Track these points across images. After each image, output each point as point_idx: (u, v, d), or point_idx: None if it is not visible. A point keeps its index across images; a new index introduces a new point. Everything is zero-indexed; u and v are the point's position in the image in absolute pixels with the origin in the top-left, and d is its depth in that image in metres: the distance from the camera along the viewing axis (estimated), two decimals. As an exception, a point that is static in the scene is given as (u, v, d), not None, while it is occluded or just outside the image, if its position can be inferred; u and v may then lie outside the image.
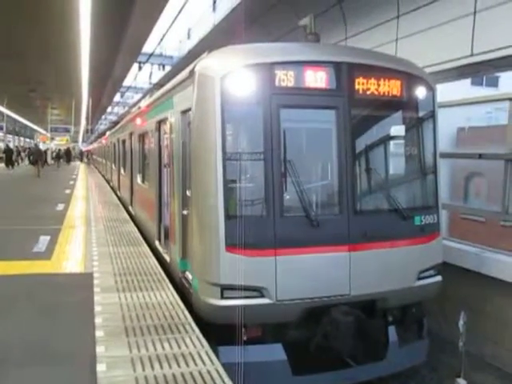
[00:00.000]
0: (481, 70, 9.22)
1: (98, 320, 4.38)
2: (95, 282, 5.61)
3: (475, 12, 7.78)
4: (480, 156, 7.81)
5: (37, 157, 26.77)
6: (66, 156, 43.79)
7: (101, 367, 3.44)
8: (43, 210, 11.71)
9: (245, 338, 4.48)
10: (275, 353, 4.75)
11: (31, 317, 4.55)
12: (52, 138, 44.13)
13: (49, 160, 37.34)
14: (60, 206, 12.38)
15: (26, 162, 39.39)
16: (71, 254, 7.07)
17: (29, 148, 47.41)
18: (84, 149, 73.60)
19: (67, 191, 16.74)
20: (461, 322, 5.21)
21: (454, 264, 7.00)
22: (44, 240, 7.96)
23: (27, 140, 71.71)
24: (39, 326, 4.31)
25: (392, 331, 5.28)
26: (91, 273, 6.00)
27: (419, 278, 5.35)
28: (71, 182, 21.19)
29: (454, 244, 7.57)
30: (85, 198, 15.07)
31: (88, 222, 10.10)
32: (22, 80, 23.47)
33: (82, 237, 8.42)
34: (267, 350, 4.75)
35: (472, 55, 7.88)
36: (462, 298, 6.87)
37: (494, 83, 22.46)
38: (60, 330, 4.23)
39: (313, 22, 5.76)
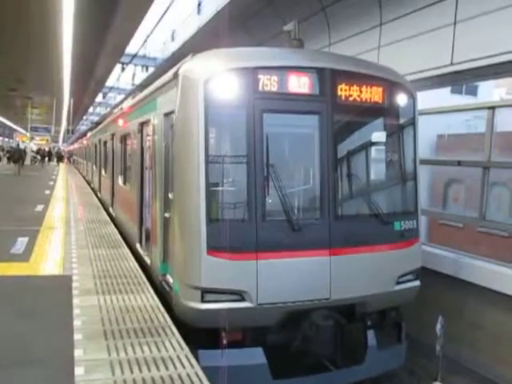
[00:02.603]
0: (460, 79, 9.42)
1: (76, 323, 4.32)
2: (74, 284, 5.54)
3: (455, 22, 7.95)
4: (459, 163, 7.96)
5: (18, 156, 27.71)
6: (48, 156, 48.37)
7: (79, 371, 3.40)
8: (22, 211, 11.51)
9: (225, 342, 4.48)
10: (255, 356, 4.75)
11: (8, 319, 4.47)
12: (32, 138, 43.53)
13: (28, 160, 37.12)
14: (39, 207, 12.19)
15: (5, 161, 39.67)
16: (50, 256, 6.96)
17: (10, 147, 48.47)
18: (66, 149, 72.45)
19: (47, 192, 16.49)
20: (438, 326, 5.29)
21: (432, 269, 7.12)
22: (22, 241, 7.82)
23: (5, 139, 70.51)
24: (16, 329, 4.23)
25: (371, 335, 5.33)
26: (70, 275, 5.92)
27: (398, 283, 5.42)
28: (51, 183, 20.88)
29: (433, 249, 7.70)
30: (65, 198, 14.86)
31: (68, 223, 9.96)
32: (1, 79, 23.06)
33: (61, 238, 8.30)
34: (247, 354, 4.75)
35: (452, 64, 8.04)
36: (440, 302, 6.97)
37: (473, 92, 22.92)
38: (37, 332, 4.16)
39: (297, 27, 5.81)
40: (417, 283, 5.66)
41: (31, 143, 45.06)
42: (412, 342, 6.24)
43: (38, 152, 48.74)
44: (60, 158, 52.59)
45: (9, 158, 37.71)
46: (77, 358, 3.60)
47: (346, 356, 4.96)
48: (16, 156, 27.70)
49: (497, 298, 6.40)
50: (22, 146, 38.20)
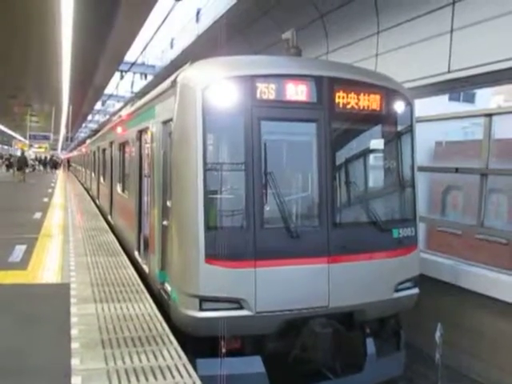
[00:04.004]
0: (458, 87, 9.45)
1: (73, 331, 4.30)
2: (72, 292, 5.52)
3: (452, 30, 8.00)
4: (457, 170, 7.98)
5: (22, 164, 28.93)
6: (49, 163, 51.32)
7: (76, 380, 3.38)
8: (20, 219, 11.48)
9: (223, 350, 4.46)
10: (254, 365, 4.72)
11: (5, 328, 4.45)
12: (30, 145, 43.62)
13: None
14: (37, 215, 12.16)
15: (4, 169, 40.38)
16: (48, 264, 6.93)
17: (10, 155, 49.95)
18: (64, 156, 72.39)
19: (45, 199, 16.46)
20: (437, 334, 5.28)
21: (431, 276, 7.10)
22: (20, 249, 7.79)
23: (4, 147, 70.76)
24: (13, 338, 4.21)
25: (370, 343, 5.30)
26: (68, 283, 5.90)
27: (397, 290, 5.41)
28: (49, 190, 20.86)
29: (431, 256, 7.69)
30: (63, 206, 14.84)
31: (66, 231, 9.94)
32: (0, 86, 23.10)
33: (59, 246, 8.27)
34: (246, 363, 4.72)
35: (449, 72, 8.08)
36: (438, 309, 6.95)
37: (470, 99, 23.02)
38: (34, 341, 4.14)
39: (295, 35, 5.83)
40: (416, 291, 5.64)
41: (30, 151, 45.22)
42: (411, 350, 6.21)
43: (39, 160, 49.26)
44: (55, 165, 52.02)
45: (7, 166, 38.35)
46: (74, 367, 3.57)
47: (344, 364, 4.94)
48: (21, 163, 28.60)
49: (495, 304, 6.39)
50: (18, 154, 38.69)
